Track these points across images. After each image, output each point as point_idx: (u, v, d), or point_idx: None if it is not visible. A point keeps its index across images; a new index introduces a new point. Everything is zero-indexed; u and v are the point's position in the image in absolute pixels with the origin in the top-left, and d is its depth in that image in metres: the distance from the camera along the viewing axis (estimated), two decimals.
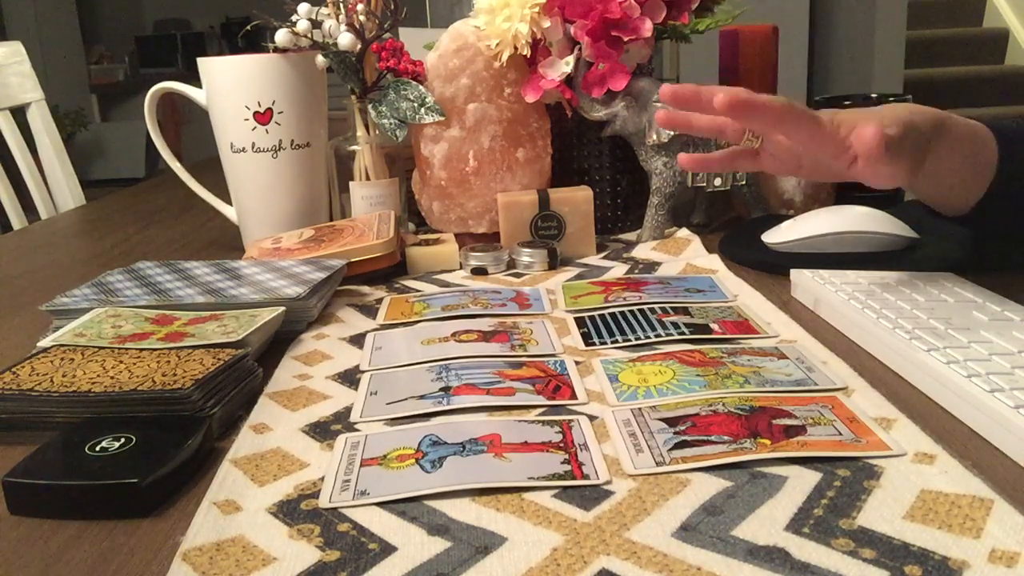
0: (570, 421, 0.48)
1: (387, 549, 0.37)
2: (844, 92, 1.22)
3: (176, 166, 0.98)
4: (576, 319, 0.65)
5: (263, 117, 0.86)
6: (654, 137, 0.83)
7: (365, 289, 0.77)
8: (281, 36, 0.84)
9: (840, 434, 0.44)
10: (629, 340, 0.60)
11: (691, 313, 0.64)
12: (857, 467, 0.41)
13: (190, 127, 5.40)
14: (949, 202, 0.68)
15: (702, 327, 0.61)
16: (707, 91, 0.59)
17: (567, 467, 0.43)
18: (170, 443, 0.44)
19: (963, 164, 0.65)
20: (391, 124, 0.85)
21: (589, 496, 0.40)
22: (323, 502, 0.41)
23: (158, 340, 0.57)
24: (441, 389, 0.53)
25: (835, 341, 0.58)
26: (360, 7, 0.84)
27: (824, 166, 0.62)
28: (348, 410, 0.51)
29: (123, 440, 0.44)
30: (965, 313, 0.56)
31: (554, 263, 0.80)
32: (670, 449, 0.44)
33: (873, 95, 1.08)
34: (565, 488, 0.41)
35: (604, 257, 0.83)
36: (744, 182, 0.87)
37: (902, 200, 0.93)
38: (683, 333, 0.60)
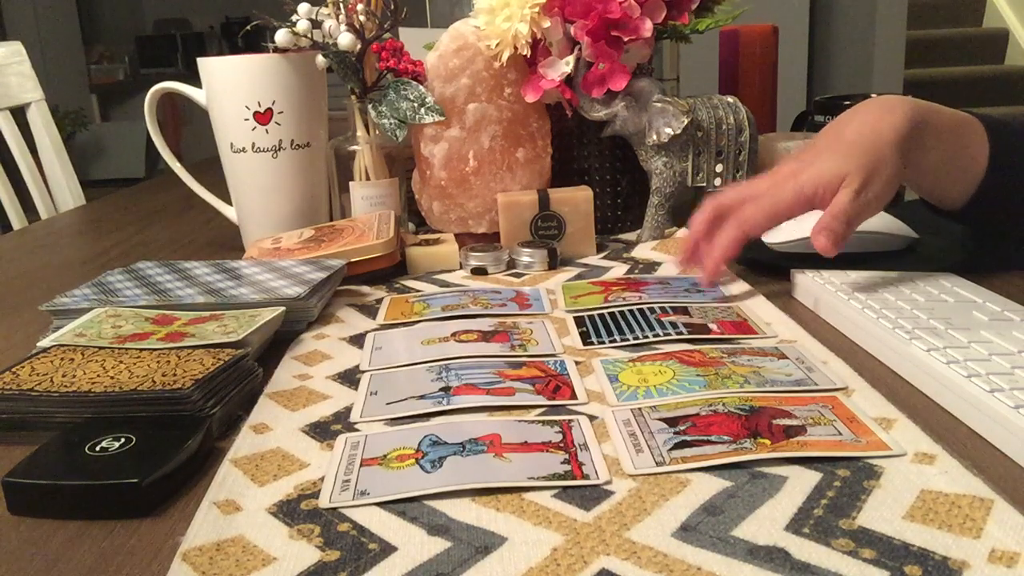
0: (570, 421, 0.48)
1: (387, 549, 0.37)
2: (844, 92, 1.22)
3: (176, 166, 0.97)
4: (575, 319, 0.65)
5: (263, 117, 0.86)
6: (654, 137, 0.83)
7: (365, 289, 0.77)
8: (281, 36, 0.84)
9: (840, 434, 0.44)
10: (627, 340, 0.60)
11: (690, 313, 0.64)
12: (857, 467, 0.41)
13: (190, 127, 5.40)
14: (939, 193, 0.69)
15: (701, 327, 0.61)
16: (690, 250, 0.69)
17: (567, 467, 0.43)
18: (170, 443, 0.44)
19: (950, 156, 0.65)
20: (391, 124, 0.85)
21: (589, 496, 0.40)
22: (323, 502, 0.41)
23: (158, 340, 0.57)
24: (441, 389, 0.53)
25: (835, 341, 0.58)
26: (360, 7, 0.84)
27: None
28: (348, 410, 0.51)
29: (123, 440, 0.44)
30: (965, 313, 0.56)
31: (554, 263, 0.80)
32: (670, 449, 0.44)
33: (873, 95, 1.08)
34: (565, 488, 0.41)
35: (604, 257, 0.83)
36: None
37: (902, 200, 0.93)
38: (681, 333, 0.60)
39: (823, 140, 0.65)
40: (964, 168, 0.66)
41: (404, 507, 0.40)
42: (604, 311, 0.66)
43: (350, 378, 0.57)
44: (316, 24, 0.85)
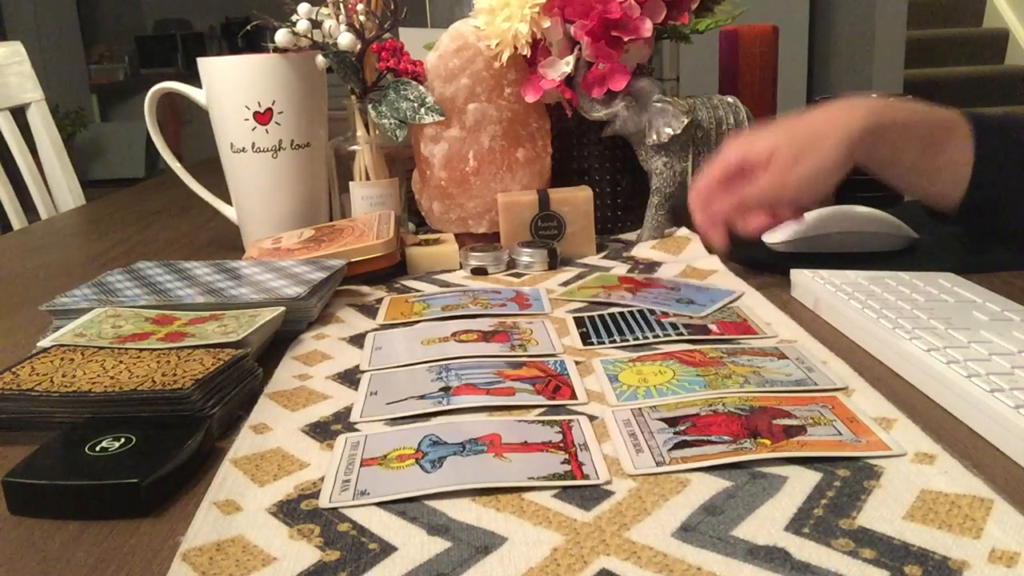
0: (570, 421, 0.48)
1: (387, 549, 0.37)
2: (844, 92, 1.22)
3: (176, 166, 0.97)
4: (575, 319, 0.65)
5: (263, 117, 0.86)
6: (654, 137, 0.83)
7: (365, 289, 0.77)
8: (281, 36, 0.84)
9: (840, 434, 0.44)
10: (627, 340, 0.60)
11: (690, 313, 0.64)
12: (857, 467, 0.41)
13: (190, 127, 5.40)
14: (931, 196, 0.69)
15: (701, 327, 0.61)
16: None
17: (567, 467, 0.43)
18: (170, 443, 0.44)
19: (923, 154, 0.66)
20: (391, 124, 0.85)
21: (589, 496, 0.40)
22: (323, 502, 0.41)
23: (158, 340, 0.57)
24: (441, 389, 0.53)
25: (835, 341, 0.58)
26: (360, 7, 0.84)
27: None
28: (348, 410, 0.51)
29: (123, 440, 0.44)
30: (965, 313, 0.56)
31: (554, 263, 0.80)
32: (670, 449, 0.44)
33: (873, 95, 1.08)
34: (565, 488, 0.41)
35: (604, 257, 0.83)
36: None
37: (902, 200, 0.93)
38: (681, 333, 0.60)
39: (779, 123, 0.68)
40: (945, 165, 0.66)
41: (404, 507, 0.40)
42: (604, 312, 0.66)
43: (350, 378, 0.57)
44: (316, 24, 0.85)
